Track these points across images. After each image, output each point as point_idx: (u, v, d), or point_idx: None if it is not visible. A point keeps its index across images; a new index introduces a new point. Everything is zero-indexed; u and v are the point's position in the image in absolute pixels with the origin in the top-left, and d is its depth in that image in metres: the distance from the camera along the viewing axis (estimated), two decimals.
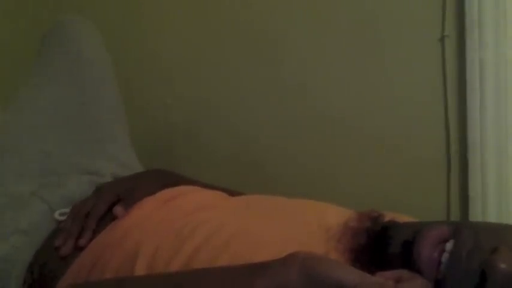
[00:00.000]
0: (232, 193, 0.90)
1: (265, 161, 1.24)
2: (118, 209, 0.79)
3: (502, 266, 0.54)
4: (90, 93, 1.02)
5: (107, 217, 0.80)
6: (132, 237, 0.73)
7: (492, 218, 1.01)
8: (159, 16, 1.33)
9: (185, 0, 1.29)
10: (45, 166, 0.92)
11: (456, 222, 0.69)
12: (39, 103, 0.99)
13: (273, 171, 1.23)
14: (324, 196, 0.85)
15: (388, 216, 0.70)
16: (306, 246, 0.65)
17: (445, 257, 0.58)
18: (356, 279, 0.51)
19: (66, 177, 0.91)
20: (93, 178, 0.92)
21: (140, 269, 0.68)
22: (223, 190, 0.91)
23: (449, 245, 0.58)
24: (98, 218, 0.80)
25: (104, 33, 1.33)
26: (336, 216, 0.74)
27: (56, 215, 0.83)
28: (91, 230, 0.78)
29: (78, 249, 0.77)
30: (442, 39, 1.04)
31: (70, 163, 0.94)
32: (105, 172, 0.96)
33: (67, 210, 0.83)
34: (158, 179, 0.89)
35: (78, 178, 0.91)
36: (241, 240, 0.68)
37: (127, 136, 1.08)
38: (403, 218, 0.72)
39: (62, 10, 1.42)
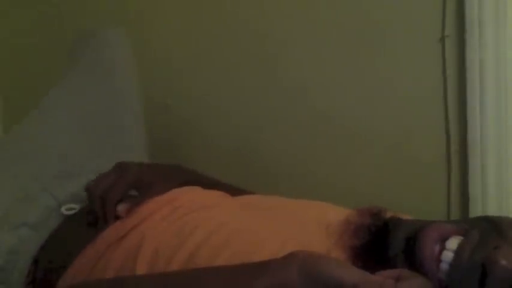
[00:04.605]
0: (240, 191, 0.91)
1: (265, 161, 1.23)
2: (120, 208, 0.78)
3: (503, 262, 0.54)
4: (118, 102, 1.04)
5: None
6: (134, 236, 0.74)
7: None
8: (158, 16, 1.33)
9: (185, 0, 1.29)
10: (60, 169, 0.92)
11: (462, 221, 0.68)
12: (69, 104, 1.01)
13: (273, 172, 1.23)
14: (324, 195, 0.85)
15: (389, 214, 0.70)
16: (306, 245, 0.65)
17: (446, 255, 0.58)
18: (356, 278, 0.51)
19: (80, 178, 0.90)
20: None
21: (141, 268, 0.68)
22: (232, 188, 0.92)
23: (449, 243, 0.58)
24: (119, 198, 0.78)
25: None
26: (336, 214, 0.74)
27: (63, 210, 0.85)
28: (113, 209, 0.77)
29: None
30: (442, 39, 1.04)
31: (86, 166, 0.93)
32: None
33: (74, 205, 0.85)
34: (177, 177, 0.88)
35: (91, 177, 0.90)
36: (241, 239, 0.68)
37: (146, 146, 1.09)
38: (403, 217, 0.72)
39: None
